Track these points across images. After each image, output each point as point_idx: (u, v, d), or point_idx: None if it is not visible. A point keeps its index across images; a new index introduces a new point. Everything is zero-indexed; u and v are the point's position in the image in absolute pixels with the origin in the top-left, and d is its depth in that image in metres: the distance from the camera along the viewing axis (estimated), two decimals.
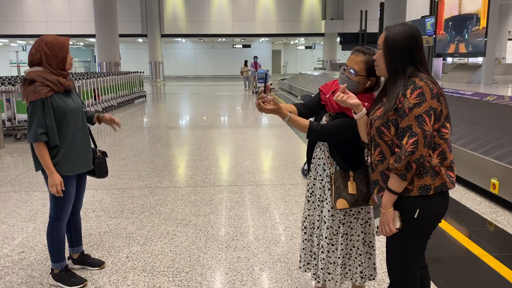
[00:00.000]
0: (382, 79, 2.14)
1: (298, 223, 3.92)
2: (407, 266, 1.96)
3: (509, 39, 26.99)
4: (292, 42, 37.38)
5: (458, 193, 4.75)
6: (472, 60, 14.25)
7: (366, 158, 2.29)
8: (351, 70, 2.15)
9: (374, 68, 2.09)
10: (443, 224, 3.82)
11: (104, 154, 3.01)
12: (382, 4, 17.05)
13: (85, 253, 3.16)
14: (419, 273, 2.02)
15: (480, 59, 11.07)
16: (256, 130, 9.53)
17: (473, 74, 9.70)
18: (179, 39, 33.92)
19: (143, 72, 17.49)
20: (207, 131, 9.24)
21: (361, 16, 21.66)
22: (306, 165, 5.34)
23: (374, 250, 2.40)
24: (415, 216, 1.85)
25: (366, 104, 2.08)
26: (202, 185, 5.17)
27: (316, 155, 2.40)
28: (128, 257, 3.29)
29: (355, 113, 2.03)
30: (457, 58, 13.33)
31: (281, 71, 37.80)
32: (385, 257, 2.05)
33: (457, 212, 4.20)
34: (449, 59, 14.98)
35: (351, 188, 2.21)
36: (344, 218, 2.33)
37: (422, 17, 13.84)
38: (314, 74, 20.07)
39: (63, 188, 2.63)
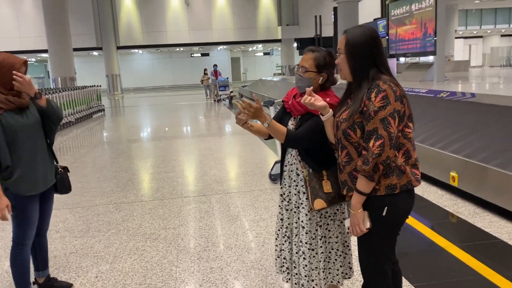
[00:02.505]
0: (336, 75, 2.20)
1: (269, 228, 3.93)
2: (379, 264, 2.00)
3: (456, 38, 28.32)
4: (250, 49, 37.62)
5: (420, 188, 4.91)
6: (423, 59, 14.82)
7: (336, 155, 2.34)
8: (302, 68, 2.23)
9: (324, 64, 2.19)
10: (409, 219, 3.93)
11: (66, 169, 2.90)
12: (335, 9, 17.51)
13: (51, 276, 3.04)
14: (390, 269, 2.07)
15: (430, 58, 11.55)
16: (221, 138, 9.50)
17: (426, 73, 10.09)
18: (136, 50, 33.41)
19: (100, 86, 17.08)
20: (170, 142, 9.13)
21: (315, 21, 22.13)
22: (273, 170, 5.40)
23: (350, 249, 2.44)
24: (384, 214, 1.90)
25: (328, 99, 2.11)
26: (170, 197, 5.09)
27: (288, 162, 2.43)
28: (97, 276, 3.18)
29: (322, 115, 2.06)
30: (409, 58, 13.83)
31: (241, 78, 37.92)
32: (358, 256, 2.09)
33: (420, 206, 4.34)
34: (402, 59, 15.52)
35: (326, 186, 2.24)
36: (321, 221, 2.36)
37: (374, 19, 14.35)
38: (274, 79, 20.27)
39: (11, 213, 2.48)
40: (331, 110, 2.06)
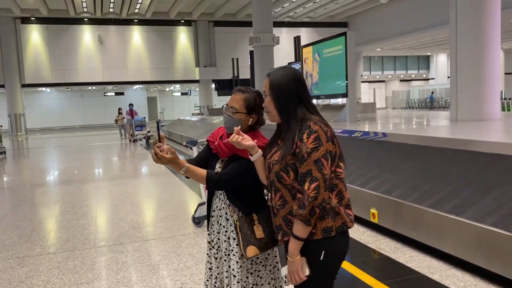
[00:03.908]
0: (265, 116, 2.16)
1: (195, 277, 3.68)
2: None
3: (362, 81, 30.70)
4: (167, 89, 37.33)
5: None
6: (333, 101, 15.74)
7: (266, 197, 2.25)
8: (232, 110, 2.15)
9: (254, 106, 2.14)
10: None
11: None
12: (251, 52, 18.11)
13: None
14: None
15: (339, 100, 12.25)
16: (137, 180, 9.04)
17: (339, 113, 10.64)
18: (43, 88, 31.48)
19: (1, 126, 15.66)
20: (81, 186, 8.47)
21: (233, 63, 22.71)
22: (197, 212, 5.17)
23: None
24: (321, 258, 1.83)
25: (256, 141, 2.05)
26: (81, 248, 4.61)
27: (217, 207, 2.28)
28: None
29: (251, 155, 2.00)
30: (321, 100, 14.57)
31: (158, 117, 37.25)
32: None
33: None
34: (314, 101, 16.32)
35: (258, 232, 2.13)
36: (252, 267, 2.22)
37: (289, 63, 15.02)
38: (193, 119, 20.15)
39: None
40: (260, 150, 2.00)
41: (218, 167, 2.25)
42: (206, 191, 5.28)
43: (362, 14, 27.67)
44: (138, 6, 24.68)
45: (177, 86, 34.97)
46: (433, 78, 38.38)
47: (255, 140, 2.04)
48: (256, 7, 16.52)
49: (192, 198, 6.80)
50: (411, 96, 35.01)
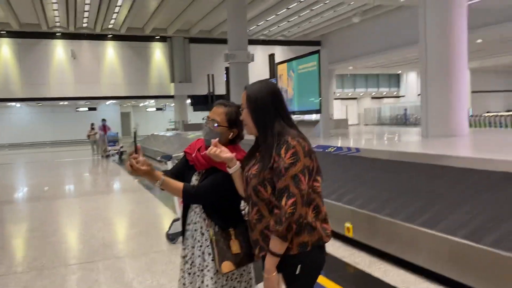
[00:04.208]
0: (245, 131, 2.17)
1: None
2: None
3: (334, 99, 31.24)
4: (142, 104, 36.93)
5: None
6: (307, 117, 15.94)
7: (243, 211, 2.22)
8: (213, 122, 2.14)
9: (235, 120, 2.13)
10: None
11: None
12: (227, 68, 18.21)
13: None
14: None
15: (313, 116, 12.42)
16: (110, 197, 8.85)
17: (313, 129, 10.76)
18: (13, 103, 30.63)
19: None
20: (51, 202, 8.21)
21: (208, 79, 22.73)
22: (171, 229, 5.07)
23: None
24: (297, 273, 1.82)
25: (235, 154, 2.04)
26: (51, 267, 4.44)
27: (192, 221, 2.24)
28: None
29: (229, 168, 1.98)
30: (296, 116, 14.72)
31: (131, 133, 36.72)
32: None
33: None
34: None
35: (235, 247, 2.09)
36: (227, 283, 2.18)
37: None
38: (167, 134, 19.97)
39: None
40: (238, 162, 1.99)
41: (194, 180, 2.22)
42: (181, 206, 5.20)
43: (335, 33, 28.30)
44: (112, 21, 24.50)
45: (152, 101, 34.67)
46: (404, 96, 39.37)
47: (234, 153, 2.02)
48: (231, 25, 16.68)
49: (166, 214, 6.68)
50: (383, 113, 35.79)
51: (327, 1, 20.62)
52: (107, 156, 17.84)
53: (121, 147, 18.17)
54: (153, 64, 29.37)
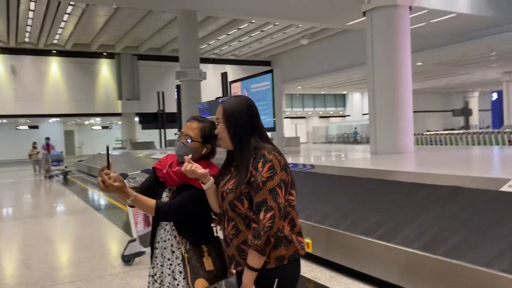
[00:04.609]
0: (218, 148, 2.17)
1: None
2: None
3: (285, 117, 31.82)
4: (87, 122, 35.66)
5: None
6: None
7: (214, 228, 2.21)
8: (187, 138, 2.13)
9: (209, 136, 2.13)
10: None
11: None
12: (178, 86, 18.06)
13: None
14: None
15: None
16: (57, 219, 8.41)
17: None
18: None
19: None
20: None
21: (158, 97, 22.44)
22: (127, 250, 4.89)
23: None
24: (275, 287, 1.83)
25: (207, 170, 2.04)
26: None
27: (161, 238, 2.19)
28: None
29: (203, 183, 1.97)
30: None
31: (75, 152, 35.23)
32: None
33: None
34: None
35: (208, 264, 2.07)
36: None
37: (217, 98, 15.14)
38: (115, 153, 19.38)
39: None
40: (212, 178, 1.98)
41: (165, 196, 2.18)
42: (137, 226, 5.05)
43: (284, 54, 29.08)
44: (57, 36, 23.68)
45: (98, 119, 33.58)
46: (349, 115, 40.92)
47: (207, 169, 2.02)
48: (183, 43, 16.62)
49: (120, 236, 6.44)
50: (330, 131, 36.92)
51: (277, 23, 21.18)
52: (50, 177, 16.98)
53: (66, 167, 17.39)
54: (99, 80, 28.62)
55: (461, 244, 3.36)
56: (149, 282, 2.25)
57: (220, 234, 2.19)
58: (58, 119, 30.71)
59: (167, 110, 22.35)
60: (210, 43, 25.30)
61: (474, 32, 16.16)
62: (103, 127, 36.81)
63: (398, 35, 8.58)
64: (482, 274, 2.98)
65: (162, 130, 22.12)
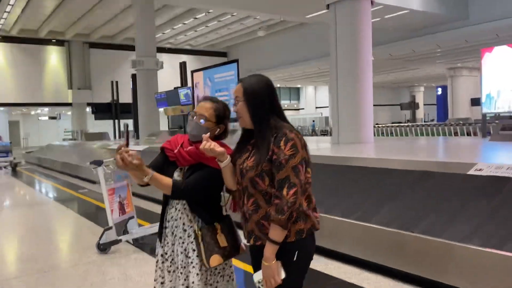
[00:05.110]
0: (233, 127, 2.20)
1: None
2: None
3: None
4: (33, 112, 33.90)
5: None
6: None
7: (223, 207, 2.25)
8: (201, 117, 2.14)
9: (223, 116, 2.16)
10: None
11: None
12: (134, 76, 17.59)
13: None
14: None
15: (232, 124, 12.61)
16: (16, 211, 8.01)
17: (234, 136, 10.92)
18: None
19: None
20: None
21: (112, 86, 21.76)
22: (103, 238, 4.78)
23: None
24: (295, 259, 1.91)
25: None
26: None
27: (172, 217, 2.20)
28: None
29: (220, 162, 1.99)
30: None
31: (21, 144, 33.43)
32: None
33: None
34: None
35: (221, 241, 2.12)
36: (211, 279, 2.18)
37: (175, 88, 14.93)
38: (66, 144, 18.67)
39: None
40: (229, 156, 2.01)
41: (176, 176, 2.18)
42: (113, 214, 4.92)
43: (241, 45, 29.02)
44: (2, 21, 22.27)
45: (45, 109, 32.05)
46: (303, 108, 41.64)
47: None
48: (139, 31, 16.19)
49: (89, 226, 6.24)
50: None
51: (235, 14, 21.11)
52: None
53: (14, 158, 16.51)
54: (48, 69, 27.31)
55: (435, 224, 3.60)
56: (157, 261, 2.25)
57: (229, 213, 2.24)
58: (2, 108, 29.02)
59: (121, 100, 21.76)
60: (165, 32, 24.79)
61: (424, 29, 16.95)
62: (51, 118, 35.13)
63: (361, 28, 8.87)
64: (460, 249, 3.21)
65: (116, 121, 21.51)
